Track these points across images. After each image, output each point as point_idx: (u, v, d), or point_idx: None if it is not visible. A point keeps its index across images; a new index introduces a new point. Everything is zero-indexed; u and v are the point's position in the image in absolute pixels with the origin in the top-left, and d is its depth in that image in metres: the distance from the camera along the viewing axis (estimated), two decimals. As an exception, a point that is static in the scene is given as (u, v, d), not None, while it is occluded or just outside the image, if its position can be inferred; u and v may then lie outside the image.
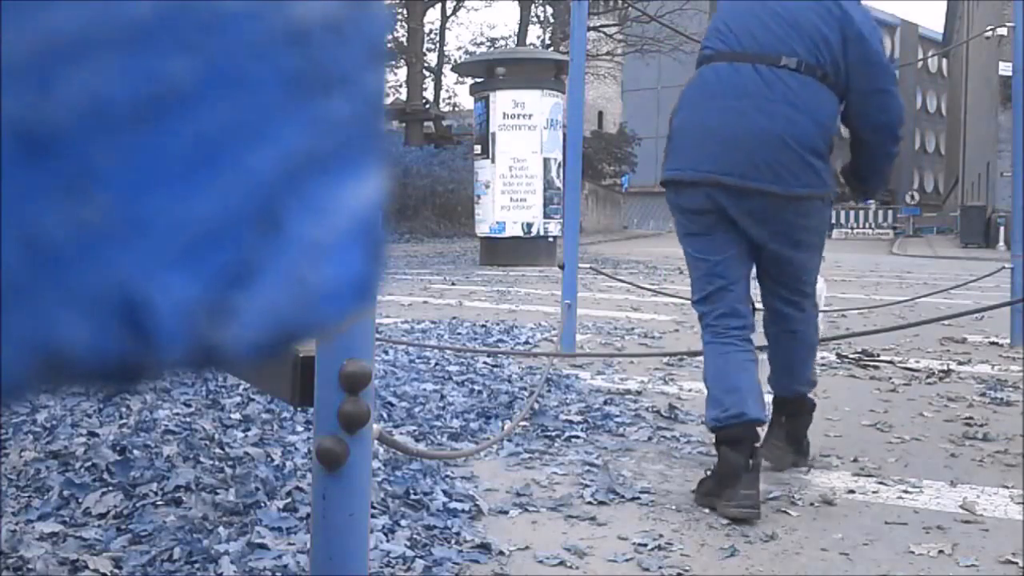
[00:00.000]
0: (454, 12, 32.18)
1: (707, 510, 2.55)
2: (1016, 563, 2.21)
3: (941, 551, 2.28)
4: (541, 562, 2.18)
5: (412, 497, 2.47)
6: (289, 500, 2.38)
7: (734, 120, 2.63)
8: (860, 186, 3.03)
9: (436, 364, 4.63)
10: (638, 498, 2.63)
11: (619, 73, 35.19)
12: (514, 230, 14.13)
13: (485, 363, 4.75)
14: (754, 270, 2.84)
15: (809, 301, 2.91)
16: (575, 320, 5.17)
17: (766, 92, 2.63)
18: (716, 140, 2.64)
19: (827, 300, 8.37)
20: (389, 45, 0.29)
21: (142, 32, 0.24)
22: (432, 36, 30.93)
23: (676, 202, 2.77)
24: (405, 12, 25.09)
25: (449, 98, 33.68)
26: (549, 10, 30.34)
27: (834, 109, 2.73)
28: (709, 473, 2.67)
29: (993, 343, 6.06)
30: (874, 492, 2.75)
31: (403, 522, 2.30)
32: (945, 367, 4.99)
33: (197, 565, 1.99)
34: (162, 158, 0.24)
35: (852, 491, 2.75)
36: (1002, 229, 22.96)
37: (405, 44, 25.03)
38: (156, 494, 2.38)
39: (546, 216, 14.15)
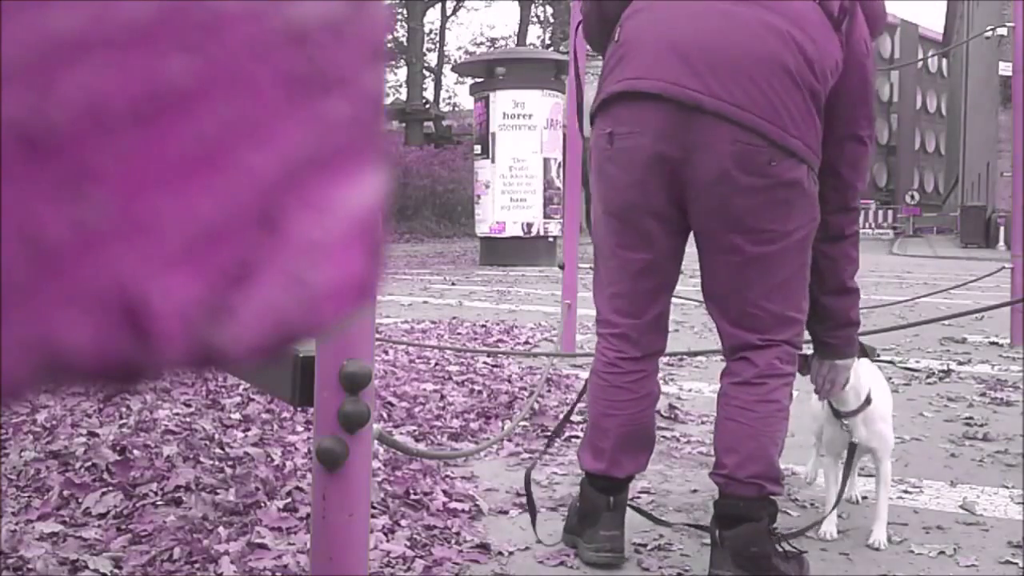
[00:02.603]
0: (454, 12, 32.24)
1: (704, 510, 2.56)
2: (1016, 563, 2.21)
3: (941, 551, 2.28)
4: (541, 562, 2.18)
5: (412, 497, 2.47)
6: (289, 500, 2.38)
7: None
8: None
9: (436, 364, 4.63)
10: (638, 498, 2.62)
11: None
12: (514, 230, 14.13)
13: (485, 363, 4.75)
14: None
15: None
16: (575, 320, 5.17)
17: None
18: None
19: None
20: (389, 45, 0.29)
21: (142, 32, 0.24)
22: (432, 36, 30.98)
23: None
24: (405, 12, 25.14)
25: (449, 98, 33.73)
26: (549, 10, 30.34)
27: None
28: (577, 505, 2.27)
29: (993, 343, 6.06)
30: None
31: (403, 522, 2.30)
32: (945, 367, 4.99)
33: (197, 565, 1.99)
34: (161, 158, 0.24)
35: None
36: (1002, 229, 22.95)
37: (405, 44, 25.08)
38: (156, 494, 2.38)
39: (546, 216, 14.15)
